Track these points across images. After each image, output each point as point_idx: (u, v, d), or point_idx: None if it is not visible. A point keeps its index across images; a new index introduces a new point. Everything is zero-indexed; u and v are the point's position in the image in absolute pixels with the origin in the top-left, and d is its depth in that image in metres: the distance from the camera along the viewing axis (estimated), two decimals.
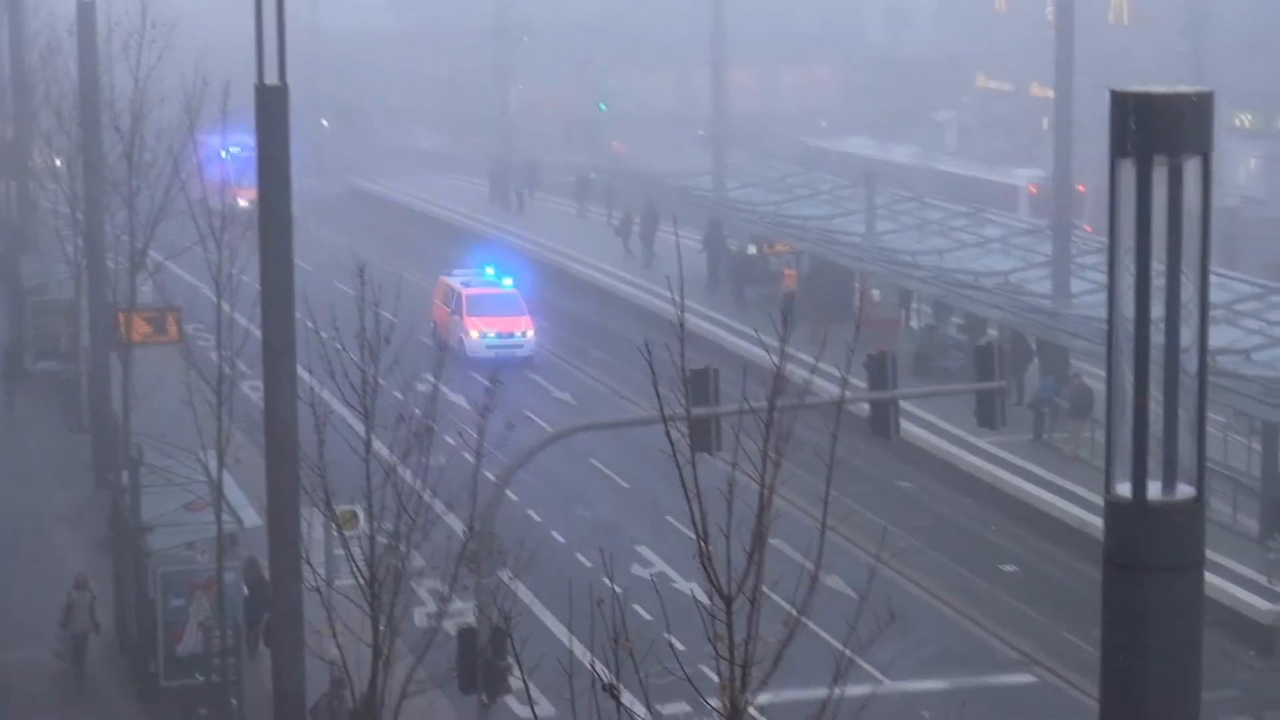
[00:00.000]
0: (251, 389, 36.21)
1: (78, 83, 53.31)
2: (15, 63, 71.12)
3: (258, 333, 32.59)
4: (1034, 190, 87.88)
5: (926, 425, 56.45)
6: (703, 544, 16.23)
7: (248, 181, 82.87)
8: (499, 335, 60.52)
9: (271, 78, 30.70)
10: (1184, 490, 9.01)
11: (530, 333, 62.21)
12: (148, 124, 45.47)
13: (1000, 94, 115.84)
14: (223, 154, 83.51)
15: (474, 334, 60.44)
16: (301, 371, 31.66)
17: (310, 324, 30.84)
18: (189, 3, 79.00)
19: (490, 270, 66.90)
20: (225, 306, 36.94)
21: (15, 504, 51.75)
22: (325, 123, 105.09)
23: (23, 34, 70.00)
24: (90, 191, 51.45)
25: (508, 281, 65.72)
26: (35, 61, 68.11)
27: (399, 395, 27.67)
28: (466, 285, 64.48)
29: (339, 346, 28.00)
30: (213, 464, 37.29)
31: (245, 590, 39.53)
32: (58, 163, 62.38)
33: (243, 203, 76.51)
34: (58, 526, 50.85)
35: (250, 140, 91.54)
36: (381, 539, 27.11)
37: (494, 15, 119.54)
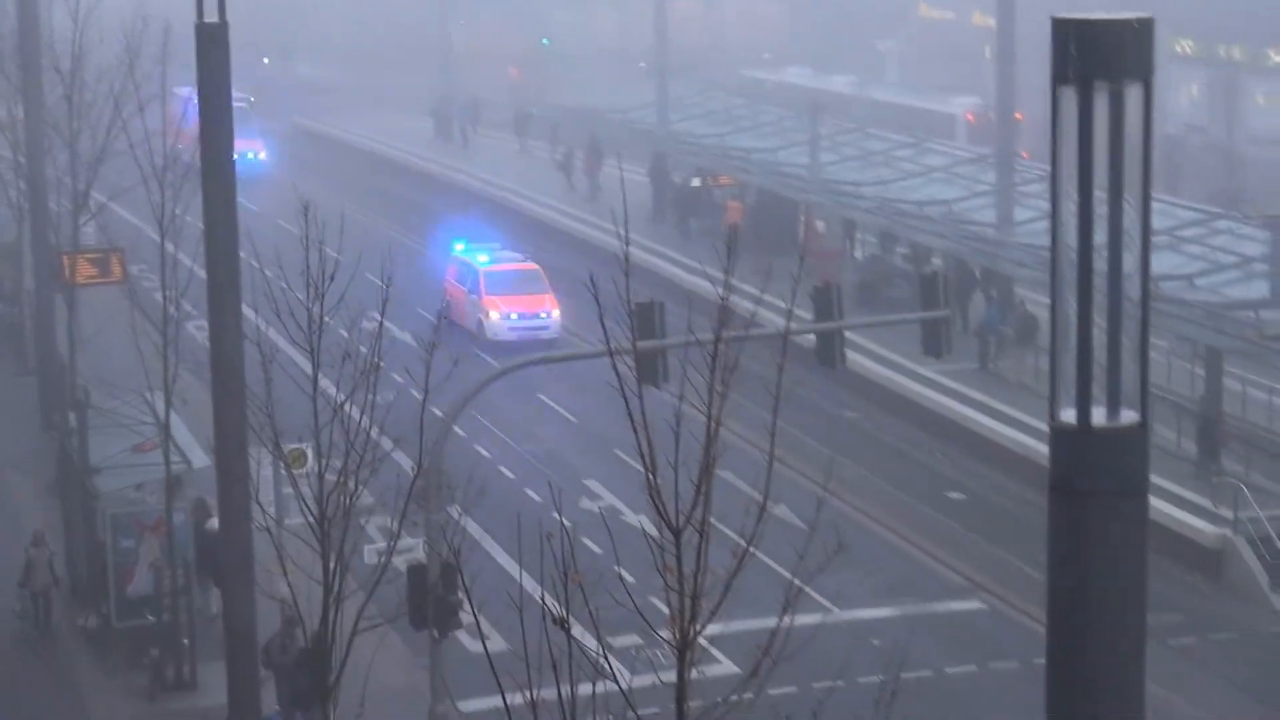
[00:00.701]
0: (197, 329, 36.17)
1: (16, 24, 53.10)
2: None
3: (202, 273, 32.51)
4: (971, 118, 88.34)
5: (872, 355, 56.61)
6: (651, 477, 16.24)
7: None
8: (521, 315, 55.29)
9: (212, 16, 30.63)
10: (1128, 416, 9.04)
11: (555, 312, 56.17)
12: (88, 65, 45.36)
13: (943, 23, 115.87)
14: (191, 101, 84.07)
15: (494, 315, 55.21)
16: (247, 310, 31.53)
17: (255, 263, 30.86)
18: None
19: (497, 246, 62.68)
20: (169, 247, 36.88)
21: None
22: (266, 60, 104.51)
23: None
24: (31, 134, 51.41)
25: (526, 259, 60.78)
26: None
27: (345, 333, 27.61)
28: (484, 263, 58.96)
29: (284, 285, 27.94)
30: (160, 405, 37.23)
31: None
32: None
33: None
34: (5, 471, 50.73)
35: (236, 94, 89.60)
36: (330, 477, 27.11)
37: None
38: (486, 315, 55.32)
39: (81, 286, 46.50)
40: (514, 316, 54.72)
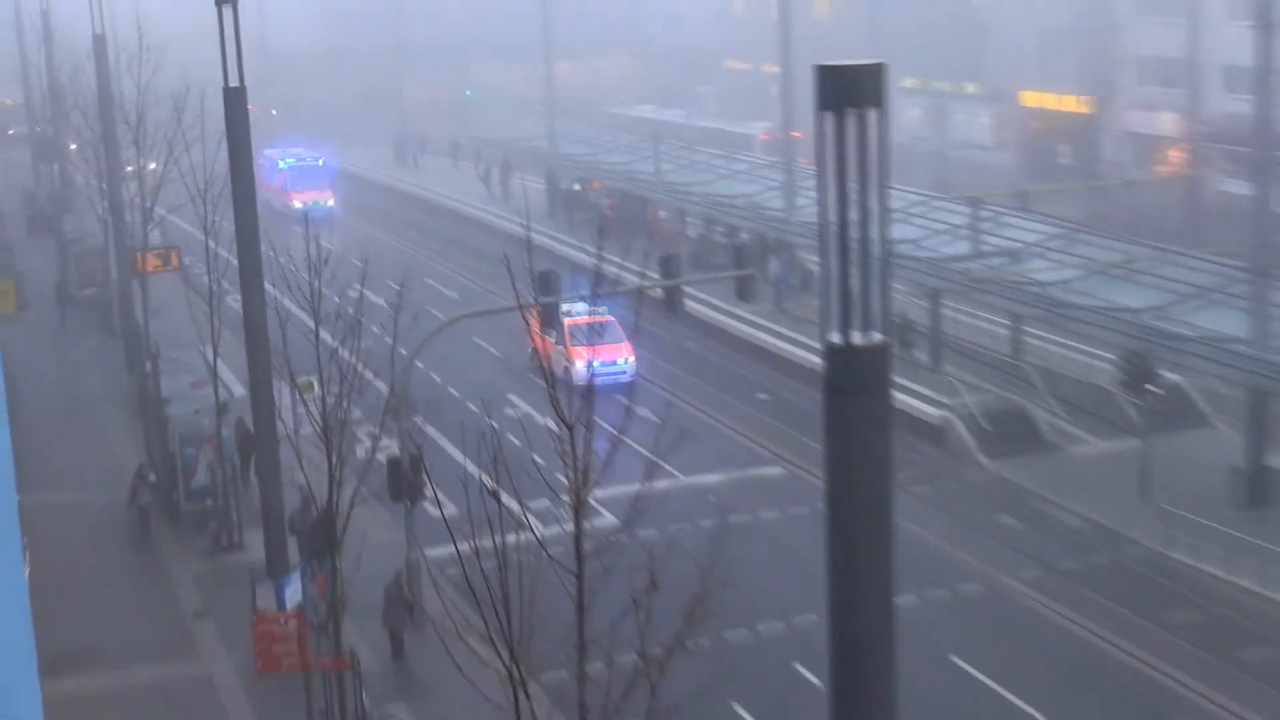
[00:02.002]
0: (233, 300, 35.92)
1: (96, 92, 52.81)
2: (51, 80, 70.50)
3: (235, 261, 32.32)
4: (765, 137, 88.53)
5: (702, 302, 56.67)
6: (552, 391, 16.26)
7: (300, 186, 79.14)
8: (603, 364, 46.87)
9: (235, 82, 30.44)
10: (875, 337, 9.13)
11: (631, 359, 49.06)
12: (148, 119, 45.00)
13: (743, 71, 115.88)
14: (280, 164, 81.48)
15: (579, 364, 47.13)
16: (268, 286, 31.47)
17: (272, 253, 30.85)
18: (176, 27, 77.65)
19: (584, 299, 50.58)
20: (211, 244, 36.77)
21: (73, 390, 51.92)
22: (275, 113, 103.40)
23: (54, 59, 69.52)
24: (110, 168, 51.08)
25: (603, 309, 48.68)
26: (64, 79, 67.71)
27: (337, 299, 27.45)
28: (568, 315, 49.33)
29: (293, 268, 27.90)
30: (209, 354, 37.27)
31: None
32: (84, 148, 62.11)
33: (296, 204, 75.23)
34: (102, 404, 50.55)
35: (302, 153, 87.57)
36: (330, 399, 27.02)
37: (394, 33, 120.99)
38: (572, 364, 48.16)
39: (150, 274, 46.21)
40: (597, 364, 45.10)
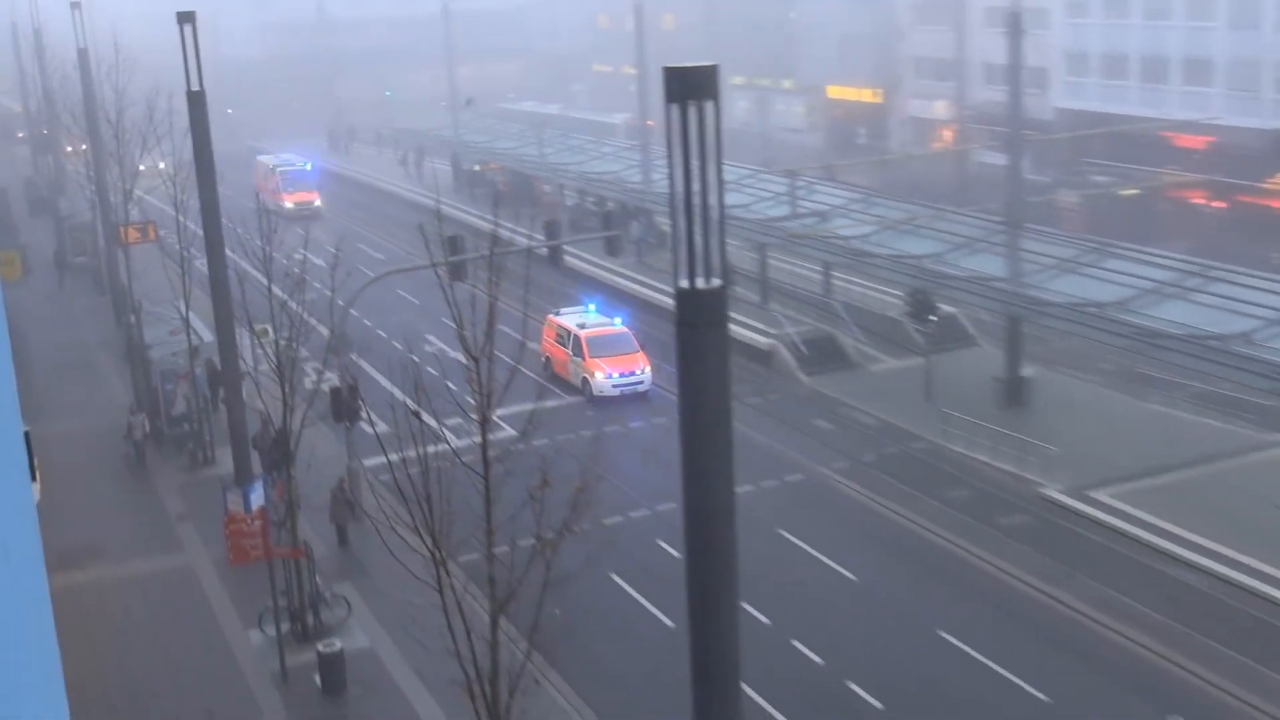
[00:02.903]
0: (201, 264, 35.42)
1: (82, 95, 51.61)
2: (45, 88, 69.26)
3: (200, 232, 31.81)
4: (625, 124, 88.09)
5: (578, 258, 56.48)
6: (461, 331, 16.19)
7: (290, 189, 73.92)
8: (622, 375, 41.54)
9: (196, 86, 29.83)
10: (715, 282, 9.16)
11: (647, 368, 42.27)
12: (126, 117, 44.09)
13: (607, 73, 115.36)
14: (272, 168, 77.41)
15: (599, 375, 41.44)
16: (229, 251, 31.06)
17: (228, 223, 30.47)
18: (148, 40, 75.75)
19: (593, 308, 46.10)
20: (181, 218, 36.18)
21: (71, 339, 50.83)
22: (230, 111, 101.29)
23: (46, 70, 68.23)
24: (96, 158, 49.93)
25: (617, 320, 44.70)
26: (55, 85, 66.32)
27: (285, 260, 27.11)
28: (582, 327, 43.44)
29: (246, 235, 27.63)
30: (182, 308, 36.79)
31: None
32: (81, 145, 60.83)
33: (288, 204, 71.22)
34: (96, 350, 49.56)
35: (292, 159, 78.40)
36: (282, 342, 26.75)
37: (325, 43, 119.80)
38: (592, 375, 41.79)
39: (132, 244, 45.52)
40: (616, 376, 41.45)
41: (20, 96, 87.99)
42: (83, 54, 50.87)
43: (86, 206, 58.30)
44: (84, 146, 55.98)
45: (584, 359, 42.11)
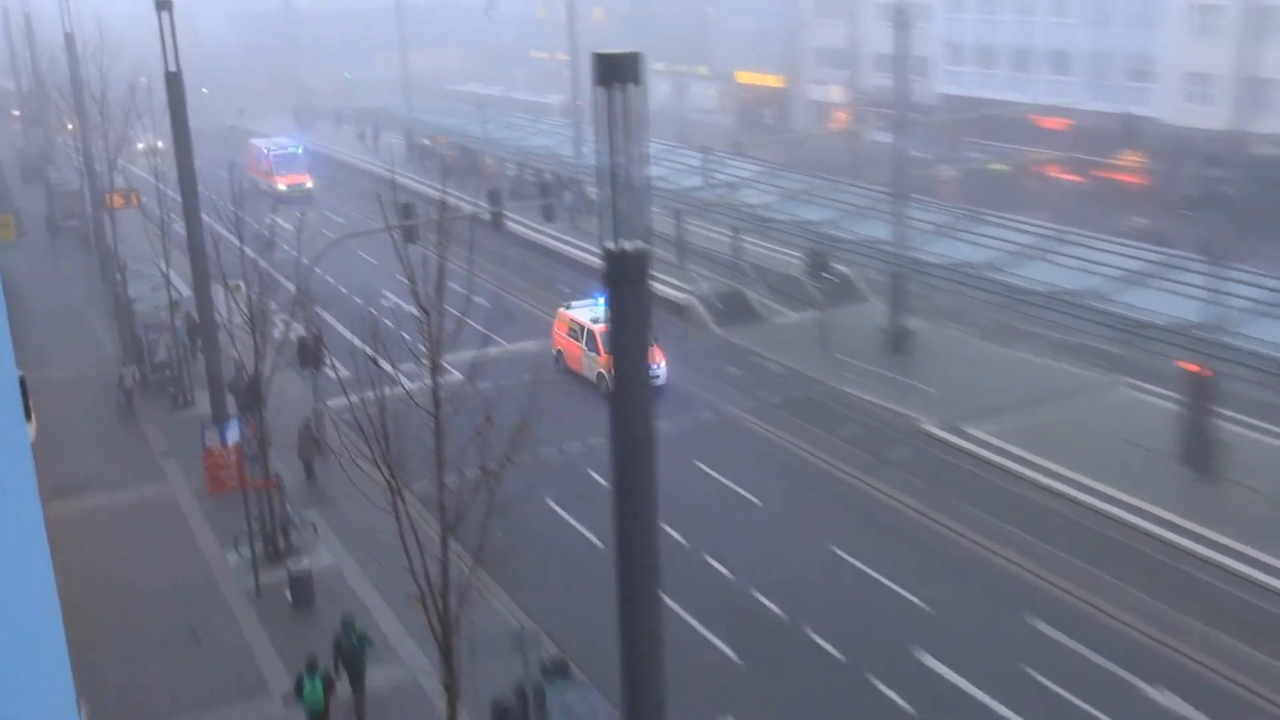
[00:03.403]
0: (179, 227, 34.79)
1: (69, 76, 50.36)
2: (34, 70, 67.84)
3: (179, 198, 31.23)
4: (559, 104, 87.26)
5: (518, 223, 56.19)
6: (414, 286, 16.08)
7: (284, 171, 70.27)
8: None
9: (173, 68, 29.18)
10: (637, 244, 9.14)
11: (662, 363, 37.05)
12: (110, 95, 43.09)
13: (543, 59, 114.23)
14: (267, 152, 72.73)
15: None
16: (207, 217, 30.55)
17: (204, 190, 29.95)
18: (131, 24, 73.91)
19: (602, 301, 29.30)
20: (161, 186, 35.54)
21: (61, 296, 49.68)
22: (205, 90, 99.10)
23: (36, 52, 66.64)
24: (83, 132, 48.67)
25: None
26: (44, 67, 64.83)
27: (255, 223, 26.73)
28: (595, 322, 37.52)
29: (220, 201, 27.18)
30: (163, 266, 36.25)
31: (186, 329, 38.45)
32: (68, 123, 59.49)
33: (281, 186, 67.92)
34: (85, 304, 48.64)
35: (284, 142, 74.12)
36: (253, 296, 26.42)
37: (290, 32, 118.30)
38: (609, 370, 36.59)
39: (117, 209, 44.65)
40: None
41: (13, 76, 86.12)
42: (69, 38, 49.64)
43: (74, 175, 57.21)
44: (69, 126, 54.84)
45: (599, 353, 36.89)
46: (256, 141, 76.77)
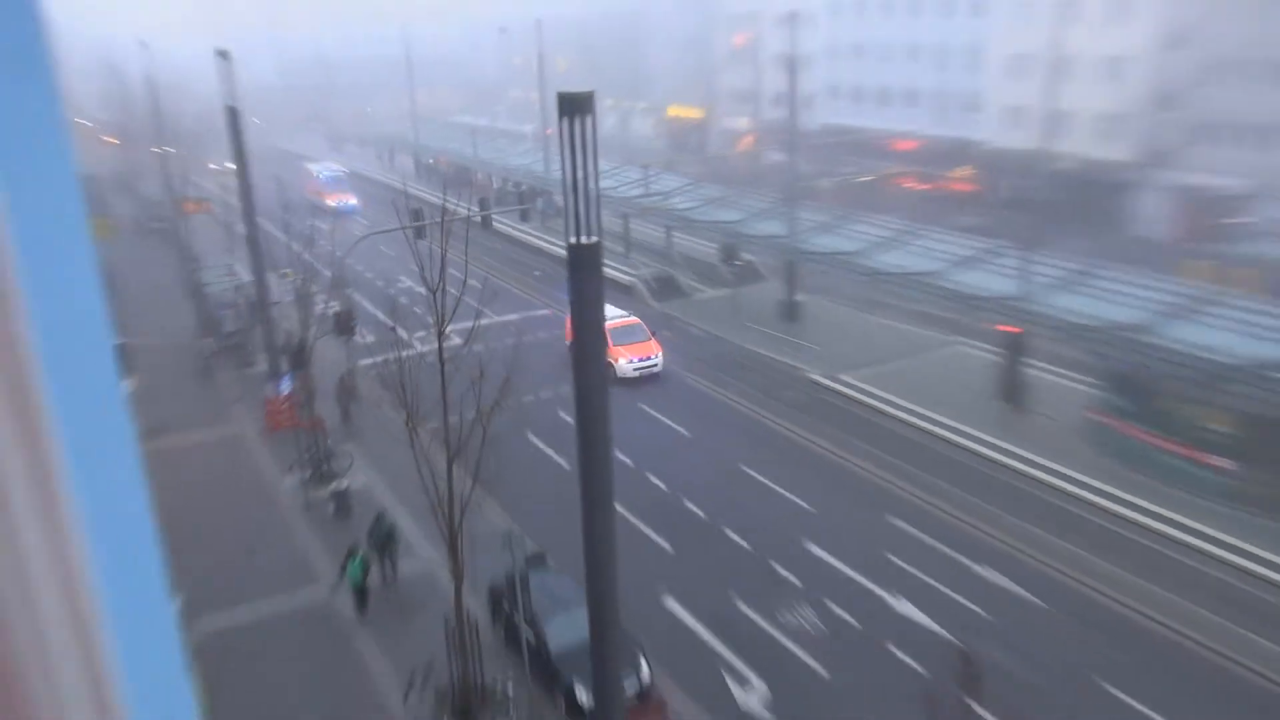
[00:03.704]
0: (241, 230, 34.15)
1: (151, 109, 48.99)
2: (124, 105, 64.05)
3: (238, 204, 30.59)
4: (531, 132, 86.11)
5: (502, 223, 55.60)
6: (423, 273, 15.89)
7: (331, 189, 66.15)
8: (640, 360, 34.61)
9: (231, 103, 28.45)
10: (593, 238, 9.08)
11: (659, 353, 35.22)
12: (183, 125, 42.01)
13: (520, 97, 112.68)
14: (318, 174, 68.67)
15: (622, 361, 34.14)
16: (261, 220, 29.93)
17: (261, 200, 29.25)
18: (197, 70, 71.74)
19: (608, 307, 29.29)
20: (224, 195, 34.76)
21: (150, 279, 48.11)
22: (257, 121, 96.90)
23: (127, 92, 63.93)
24: (162, 151, 47.38)
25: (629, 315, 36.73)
26: (131, 102, 62.52)
27: (299, 225, 26.25)
28: (605, 320, 21.22)
29: (271, 208, 26.64)
30: (230, 261, 35.48)
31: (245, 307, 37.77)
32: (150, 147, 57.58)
33: (330, 202, 63.64)
34: (170, 287, 47.33)
35: (332, 166, 69.72)
36: (300, 281, 26.01)
37: (323, 76, 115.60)
38: (615, 361, 34.29)
39: (192, 214, 43.65)
40: (636, 360, 34.65)
41: (105, 109, 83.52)
42: (150, 81, 48.26)
43: (157, 187, 55.79)
44: (156, 149, 53.26)
45: (608, 347, 35.39)
46: (310, 166, 73.21)
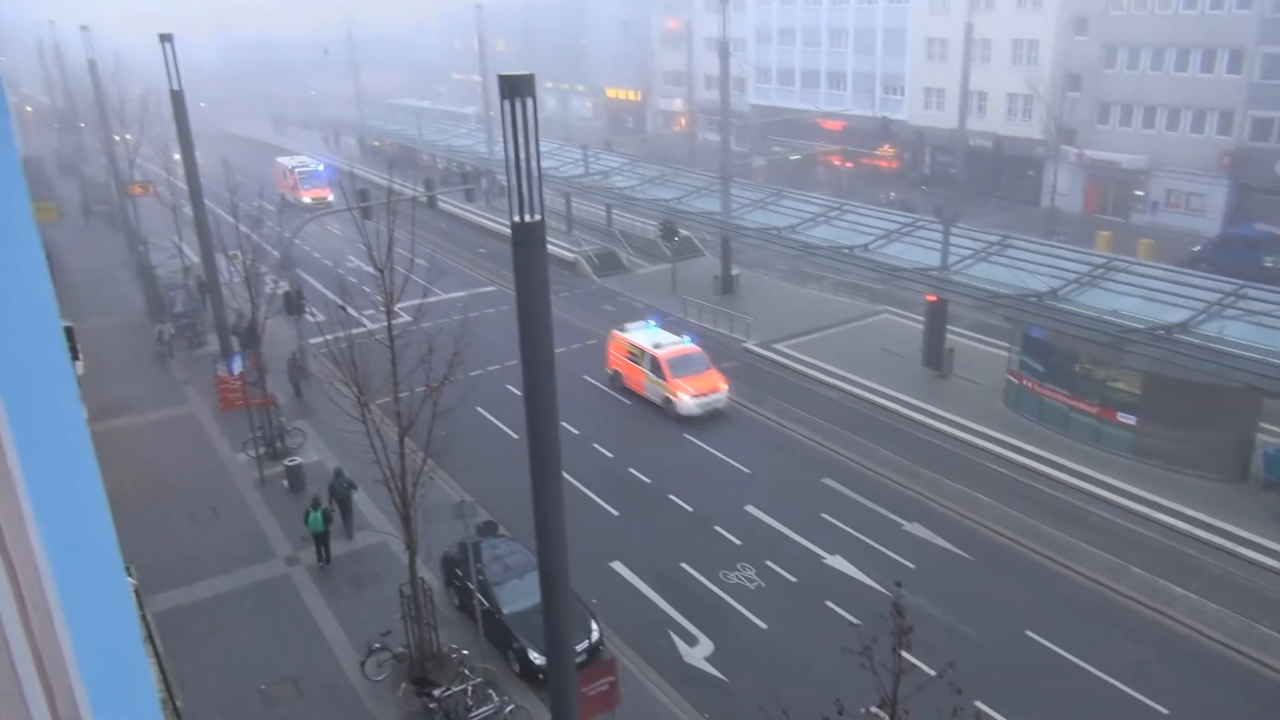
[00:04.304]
0: (187, 209, 33.16)
1: (94, 94, 47.22)
2: (66, 88, 62.80)
3: (185, 186, 29.69)
4: (474, 113, 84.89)
5: (447, 203, 54.87)
6: (371, 252, 15.63)
7: (307, 185, 58.14)
8: (705, 396, 27.90)
9: (176, 87, 27.51)
10: (536, 216, 8.99)
11: (726, 386, 28.61)
12: (127, 108, 40.61)
13: (462, 80, 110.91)
14: (292, 169, 59.91)
15: (684, 396, 27.67)
16: (208, 201, 29.09)
17: (203, 179, 28.46)
18: (137, 54, 69.28)
19: (653, 323, 31.58)
20: (170, 178, 33.70)
21: (96, 263, 46.70)
22: (203, 104, 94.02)
23: (67, 75, 62.09)
24: (106, 135, 45.76)
25: (686, 339, 30.31)
26: (74, 86, 60.68)
27: (246, 206, 25.59)
28: (658, 347, 29.02)
29: (217, 190, 25.92)
30: (176, 239, 34.46)
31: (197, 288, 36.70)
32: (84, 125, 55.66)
33: (306, 199, 55.30)
34: (118, 270, 45.95)
35: (306, 160, 61.98)
36: (248, 261, 25.39)
37: (266, 57, 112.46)
38: (676, 396, 28.04)
39: (138, 196, 42.30)
40: (701, 397, 27.92)
41: (48, 94, 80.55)
42: (92, 64, 46.47)
43: (102, 170, 54.03)
44: (99, 132, 51.45)
45: (665, 379, 28.54)
46: (282, 160, 62.77)
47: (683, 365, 28.86)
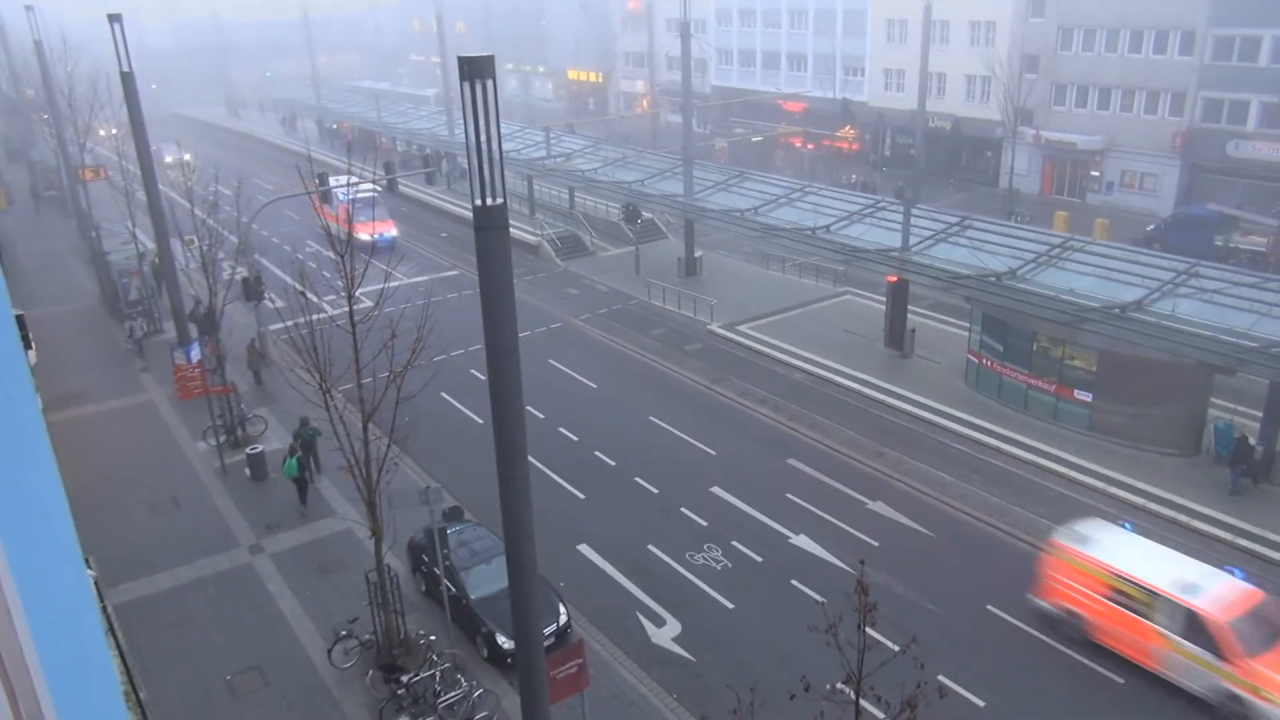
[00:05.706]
0: (141, 194, 32.46)
1: (40, 75, 45.93)
2: (10, 69, 61.06)
3: (138, 170, 29.10)
4: (434, 96, 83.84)
5: (409, 186, 54.30)
6: (331, 235, 15.45)
7: (364, 217, 45.24)
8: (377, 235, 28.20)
9: (126, 68, 26.86)
10: (497, 200, 8.93)
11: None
12: (76, 90, 39.57)
13: (421, 61, 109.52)
14: (339, 194, 57.57)
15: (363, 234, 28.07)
16: (162, 186, 28.51)
17: (160, 165, 27.87)
18: (88, 33, 67.53)
19: (1127, 525, 19.20)
20: (123, 163, 32.96)
21: (48, 249, 45.67)
22: (155, 86, 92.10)
23: (11, 55, 60.32)
24: (55, 119, 44.55)
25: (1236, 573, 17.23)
26: (19, 68, 58.95)
27: (202, 190, 25.12)
28: (1192, 591, 15.86)
29: (173, 173, 25.40)
30: (130, 225, 33.75)
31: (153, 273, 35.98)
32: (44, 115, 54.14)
33: (363, 236, 49.97)
34: (67, 256, 44.95)
35: (363, 185, 48.47)
36: (204, 246, 24.97)
37: (219, 38, 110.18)
38: (1260, 695, 14.91)
39: (89, 181, 41.31)
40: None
41: None
42: (38, 44, 45.27)
43: (52, 155, 52.74)
44: (45, 116, 50.06)
45: (1228, 659, 15.50)
46: (328, 181, 41.68)
47: (1254, 627, 15.79)
